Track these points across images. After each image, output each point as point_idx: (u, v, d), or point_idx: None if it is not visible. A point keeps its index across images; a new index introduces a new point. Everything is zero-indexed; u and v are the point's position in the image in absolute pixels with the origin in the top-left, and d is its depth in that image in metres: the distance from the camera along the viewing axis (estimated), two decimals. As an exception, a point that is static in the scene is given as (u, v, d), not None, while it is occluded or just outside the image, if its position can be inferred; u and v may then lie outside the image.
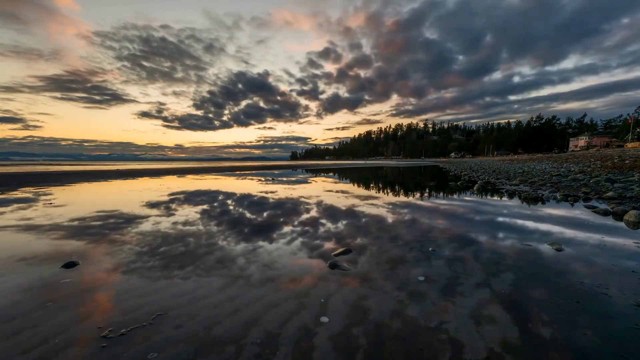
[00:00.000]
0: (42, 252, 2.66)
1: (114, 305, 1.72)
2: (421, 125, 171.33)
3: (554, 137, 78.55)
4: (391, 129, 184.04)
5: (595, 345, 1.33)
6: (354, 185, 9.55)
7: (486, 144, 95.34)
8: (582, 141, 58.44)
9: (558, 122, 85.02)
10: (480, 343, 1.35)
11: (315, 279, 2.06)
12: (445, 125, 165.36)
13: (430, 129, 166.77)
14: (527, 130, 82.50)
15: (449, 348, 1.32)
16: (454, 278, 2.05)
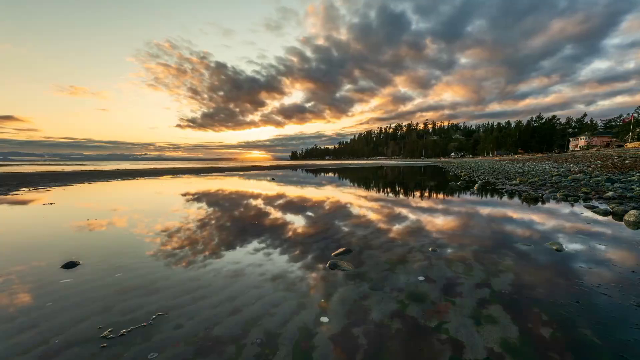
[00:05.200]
0: (42, 253, 2.66)
1: (114, 305, 1.72)
2: (421, 125, 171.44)
3: (554, 137, 78.55)
4: (391, 129, 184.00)
5: (595, 345, 1.33)
6: (353, 185, 9.55)
7: (486, 144, 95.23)
8: (582, 141, 58.36)
9: (558, 122, 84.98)
10: (480, 343, 1.35)
11: (315, 279, 2.06)
12: (445, 125, 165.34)
13: (430, 129, 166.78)
14: (527, 130, 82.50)
15: (449, 348, 1.32)
16: (454, 278, 2.05)
